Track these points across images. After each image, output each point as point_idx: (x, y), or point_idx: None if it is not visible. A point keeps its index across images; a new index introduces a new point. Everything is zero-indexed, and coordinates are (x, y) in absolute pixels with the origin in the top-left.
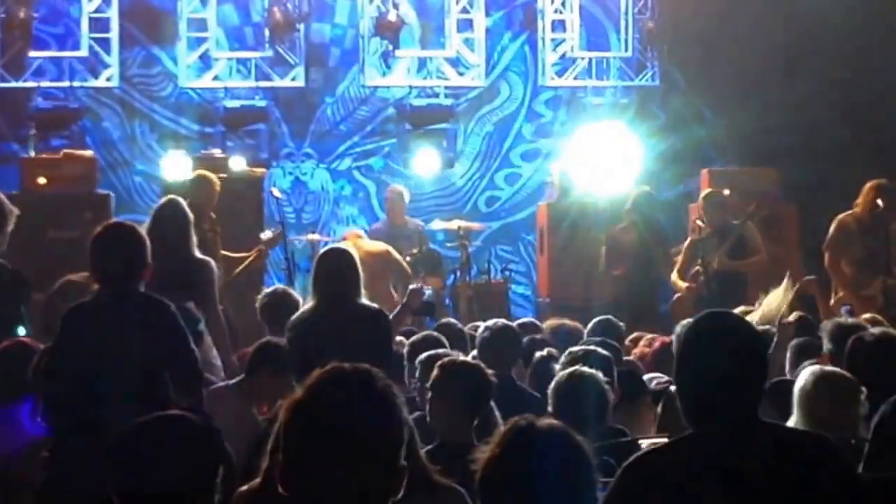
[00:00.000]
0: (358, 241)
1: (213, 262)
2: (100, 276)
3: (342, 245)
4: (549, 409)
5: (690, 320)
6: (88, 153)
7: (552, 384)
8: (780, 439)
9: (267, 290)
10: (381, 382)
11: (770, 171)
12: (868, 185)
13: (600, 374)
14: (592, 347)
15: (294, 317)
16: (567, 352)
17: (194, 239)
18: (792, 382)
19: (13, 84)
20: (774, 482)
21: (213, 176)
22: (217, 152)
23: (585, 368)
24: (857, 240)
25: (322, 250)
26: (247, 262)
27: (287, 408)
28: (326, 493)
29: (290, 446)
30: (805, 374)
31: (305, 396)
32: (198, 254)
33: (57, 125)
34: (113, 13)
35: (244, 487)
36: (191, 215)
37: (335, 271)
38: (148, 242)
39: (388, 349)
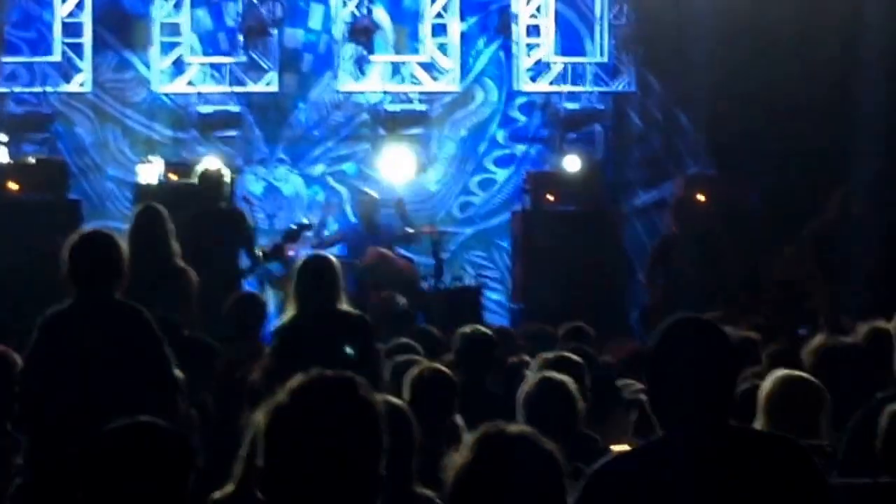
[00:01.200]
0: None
1: (191, 271)
2: (75, 283)
3: (321, 253)
4: (519, 415)
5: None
6: (60, 159)
7: (521, 390)
8: (749, 442)
9: (235, 295)
10: (362, 391)
11: (745, 176)
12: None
13: (569, 380)
14: (564, 353)
15: (279, 324)
16: (539, 357)
17: (174, 246)
18: None
19: None
20: (743, 485)
21: (222, 169)
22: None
23: (555, 374)
24: None
25: (303, 257)
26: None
27: (269, 413)
28: (306, 499)
29: (269, 451)
30: (770, 379)
31: (287, 402)
32: (178, 262)
33: (29, 130)
34: (86, 18)
35: (217, 494)
36: (170, 223)
37: (317, 278)
38: (124, 249)
39: (371, 354)
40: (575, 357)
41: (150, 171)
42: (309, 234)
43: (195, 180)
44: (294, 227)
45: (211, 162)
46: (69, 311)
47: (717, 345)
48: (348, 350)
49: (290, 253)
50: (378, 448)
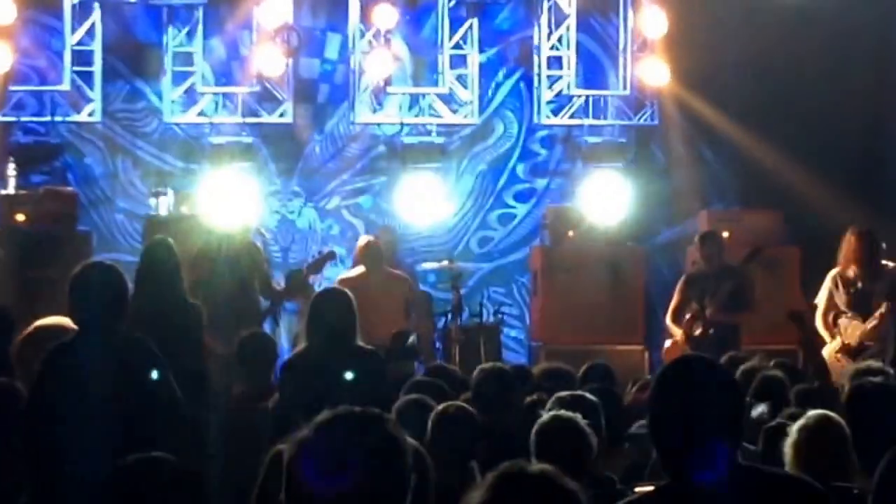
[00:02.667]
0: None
1: (200, 307)
2: (79, 317)
3: (337, 287)
4: (532, 453)
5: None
6: (69, 190)
7: (534, 428)
8: (762, 483)
9: (244, 332)
10: (390, 426)
11: (771, 213)
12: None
13: (581, 419)
14: (580, 392)
15: (289, 357)
16: (555, 396)
17: (183, 282)
18: None
19: None
20: None
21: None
22: None
23: (566, 413)
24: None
25: (318, 292)
26: (288, 290)
27: (294, 448)
28: None
29: (293, 486)
30: (799, 422)
31: (313, 437)
32: (188, 297)
33: (37, 161)
34: (96, 46)
35: None
36: (178, 256)
37: (332, 313)
38: (128, 283)
39: (383, 389)
40: (590, 396)
41: (162, 204)
42: (332, 262)
43: (208, 213)
44: (318, 255)
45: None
46: (73, 344)
47: (720, 385)
48: (348, 376)
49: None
50: (404, 485)
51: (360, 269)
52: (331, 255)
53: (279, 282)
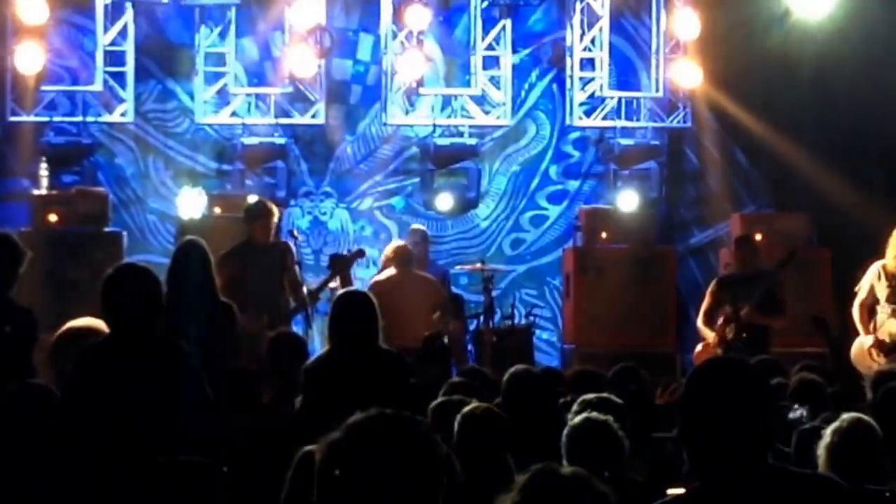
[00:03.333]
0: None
1: (234, 307)
2: (113, 319)
3: (358, 290)
4: (563, 456)
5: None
6: (101, 190)
7: (566, 431)
8: (792, 485)
9: (271, 333)
10: (423, 428)
11: (803, 216)
12: None
13: (613, 421)
14: (606, 395)
15: (311, 361)
16: (581, 399)
17: (217, 282)
18: None
19: (24, 118)
20: None
21: (270, 205)
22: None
23: (598, 415)
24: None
25: (339, 294)
26: (322, 283)
27: (325, 449)
28: None
29: (324, 489)
30: (832, 425)
31: (346, 439)
32: (221, 298)
33: (69, 161)
34: (129, 47)
35: None
36: (211, 256)
37: (354, 316)
38: (161, 285)
39: (406, 391)
40: (616, 399)
41: (192, 200)
42: (362, 260)
43: (240, 214)
44: (348, 252)
45: (262, 199)
46: (106, 346)
47: (750, 386)
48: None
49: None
50: (436, 488)
51: (391, 271)
52: (360, 254)
53: (310, 284)
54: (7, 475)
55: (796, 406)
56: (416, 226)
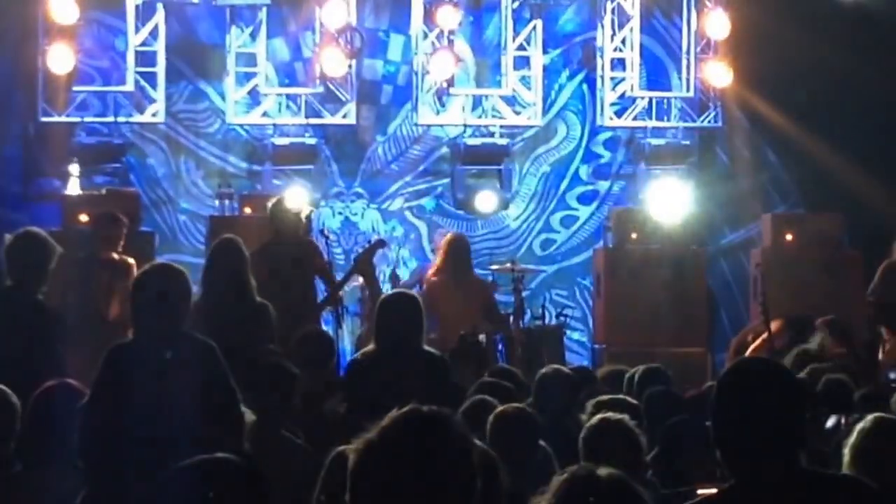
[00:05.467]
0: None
1: (270, 307)
2: (138, 317)
3: (405, 291)
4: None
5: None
6: (132, 190)
7: (582, 432)
8: (822, 487)
9: (301, 331)
10: (459, 428)
11: (835, 216)
12: None
13: (629, 420)
14: (621, 396)
15: (355, 358)
16: (595, 400)
17: (252, 283)
18: None
19: (56, 118)
20: None
21: (296, 205)
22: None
23: (614, 415)
24: None
25: (386, 295)
26: (344, 278)
27: (361, 448)
28: None
29: (359, 489)
30: (858, 425)
31: (382, 437)
32: (256, 298)
33: (100, 161)
34: (160, 47)
35: None
36: (247, 256)
37: (400, 317)
38: (191, 285)
39: (448, 394)
40: (631, 400)
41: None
42: (384, 250)
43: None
44: (367, 245)
45: (288, 197)
46: (134, 344)
47: (782, 386)
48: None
49: (356, 284)
50: (472, 488)
51: (444, 269)
52: (380, 244)
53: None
54: (37, 473)
55: (833, 415)
56: (442, 229)
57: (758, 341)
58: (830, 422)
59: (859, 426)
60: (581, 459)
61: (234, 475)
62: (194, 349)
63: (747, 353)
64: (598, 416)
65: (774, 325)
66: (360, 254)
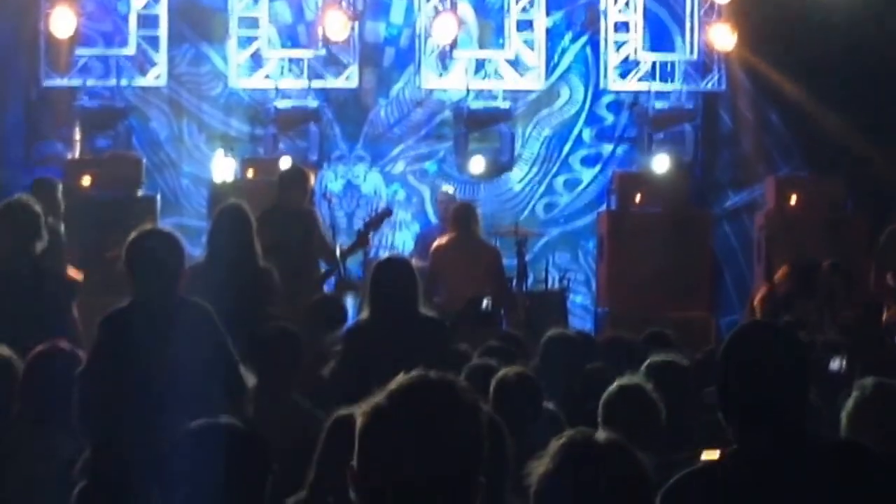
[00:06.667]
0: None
1: (274, 271)
2: (135, 281)
3: (397, 256)
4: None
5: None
6: (135, 154)
7: (603, 397)
8: (826, 452)
9: (314, 297)
10: (466, 394)
11: (838, 179)
12: None
13: (648, 386)
14: (672, 358)
15: (350, 325)
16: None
17: (257, 247)
18: None
19: (58, 82)
20: (827, 499)
21: (306, 171)
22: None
23: (634, 379)
24: None
25: (378, 261)
26: (353, 245)
27: (368, 413)
28: (405, 500)
29: (366, 454)
30: (858, 387)
31: (389, 402)
32: (261, 262)
33: (103, 125)
34: (162, 10)
35: (291, 500)
36: (253, 221)
37: (393, 282)
38: (184, 249)
39: (449, 359)
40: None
41: (224, 163)
42: (391, 219)
43: (274, 178)
44: (374, 214)
45: (291, 162)
46: (130, 309)
47: (788, 351)
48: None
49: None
50: (480, 454)
51: (451, 234)
52: (387, 213)
53: (342, 245)
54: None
55: (834, 357)
56: (444, 189)
57: (763, 289)
58: (833, 364)
59: (856, 392)
60: (599, 424)
61: (235, 439)
62: (191, 313)
63: (755, 301)
64: (618, 382)
65: (780, 272)
66: (366, 223)
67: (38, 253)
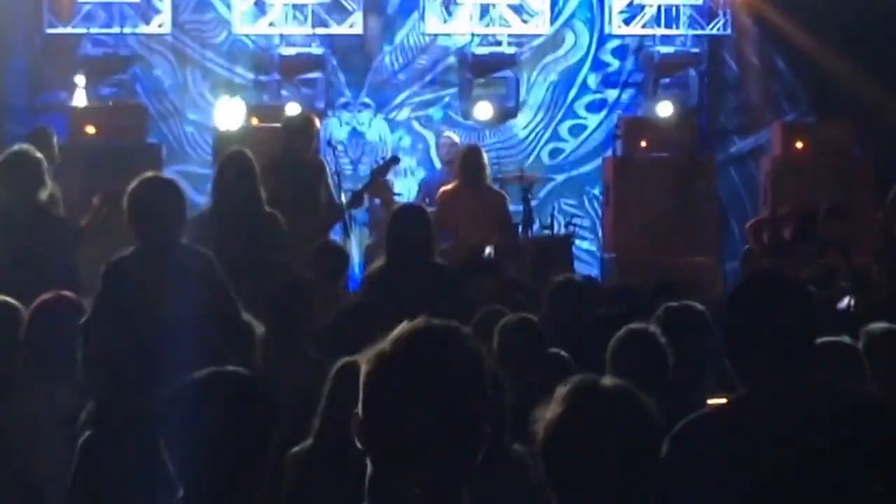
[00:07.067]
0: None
1: (280, 217)
2: (137, 229)
3: (414, 204)
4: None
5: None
6: (139, 102)
7: (611, 343)
8: (837, 400)
9: (317, 243)
10: (472, 342)
11: (846, 125)
12: None
13: (658, 332)
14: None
15: (366, 274)
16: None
17: (262, 194)
18: None
19: (61, 30)
20: (831, 445)
21: (313, 118)
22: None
23: (642, 325)
24: None
25: (396, 208)
26: (360, 191)
27: (372, 360)
28: (408, 454)
29: (371, 402)
30: (865, 333)
31: (393, 350)
32: (266, 208)
33: (106, 73)
34: None
35: (296, 449)
36: (258, 168)
37: (409, 231)
38: (185, 196)
39: (458, 306)
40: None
41: (229, 110)
42: (398, 166)
43: (279, 125)
44: (382, 160)
45: (297, 108)
46: (132, 257)
47: (795, 298)
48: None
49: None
50: (485, 403)
51: (458, 181)
52: (395, 160)
53: (346, 192)
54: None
55: (843, 295)
56: (449, 134)
57: (765, 233)
58: (842, 304)
59: (864, 338)
60: (607, 370)
61: (240, 388)
62: (193, 260)
63: (748, 225)
64: (626, 327)
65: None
66: (373, 170)
67: (42, 200)
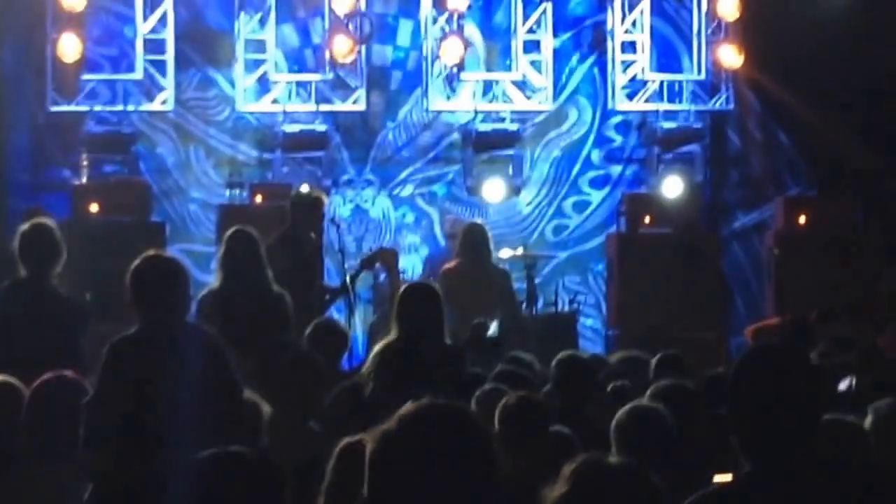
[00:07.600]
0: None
1: (288, 296)
2: (140, 308)
3: (426, 282)
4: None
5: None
6: (142, 180)
7: (614, 421)
8: (844, 478)
9: (316, 321)
10: (477, 421)
11: (848, 198)
12: None
13: (663, 409)
14: (680, 381)
15: (380, 346)
16: (656, 385)
17: (269, 273)
18: None
19: (65, 107)
20: None
21: (317, 194)
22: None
23: (648, 402)
24: None
25: (408, 286)
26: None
27: (378, 439)
28: None
29: (376, 481)
30: (873, 409)
31: (399, 430)
32: (275, 287)
33: (110, 150)
34: (168, 34)
35: None
36: (262, 246)
37: (421, 309)
38: (188, 274)
39: (467, 385)
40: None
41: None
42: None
43: (287, 202)
44: (370, 252)
45: (307, 187)
46: (136, 336)
47: (800, 374)
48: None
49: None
50: (490, 481)
51: (461, 258)
52: (385, 253)
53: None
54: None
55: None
56: (452, 215)
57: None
58: (842, 385)
59: (872, 414)
60: (612, 446)
61: (245, 468)
62: (198, 339)
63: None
64: (631, 404)
65: (772, 322)
66: (364, 258)
67: (54, 280)
